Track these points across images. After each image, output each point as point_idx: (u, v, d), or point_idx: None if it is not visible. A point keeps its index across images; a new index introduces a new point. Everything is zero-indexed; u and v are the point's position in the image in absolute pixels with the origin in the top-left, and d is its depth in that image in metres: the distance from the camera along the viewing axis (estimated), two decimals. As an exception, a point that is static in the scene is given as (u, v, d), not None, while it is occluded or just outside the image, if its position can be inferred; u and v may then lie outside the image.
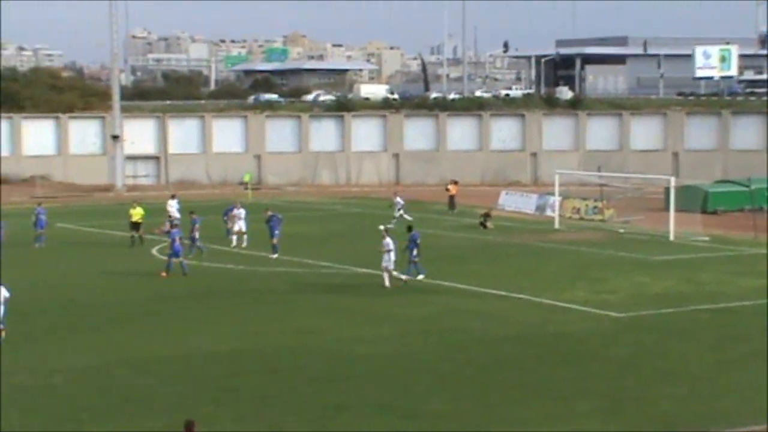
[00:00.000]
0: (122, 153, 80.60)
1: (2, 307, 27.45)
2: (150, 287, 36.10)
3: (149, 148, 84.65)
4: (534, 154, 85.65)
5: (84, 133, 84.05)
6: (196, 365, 24.69)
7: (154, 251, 44.13)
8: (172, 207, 50.50)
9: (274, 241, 43.19)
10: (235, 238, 46.16)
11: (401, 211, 55.09)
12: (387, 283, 35.34)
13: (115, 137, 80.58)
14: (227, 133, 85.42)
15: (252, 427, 19.69)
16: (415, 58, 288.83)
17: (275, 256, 42.53)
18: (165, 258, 39.47)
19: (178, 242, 38.81)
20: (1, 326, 27.22)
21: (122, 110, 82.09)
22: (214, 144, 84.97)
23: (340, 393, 22.19)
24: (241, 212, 46.88)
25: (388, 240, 35.65)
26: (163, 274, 38.28)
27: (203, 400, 21.53)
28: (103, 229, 53.47)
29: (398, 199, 55.90)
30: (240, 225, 46.43)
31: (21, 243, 45.48)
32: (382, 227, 38.40)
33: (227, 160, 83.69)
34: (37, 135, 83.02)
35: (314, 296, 34.47)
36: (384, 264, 35.50)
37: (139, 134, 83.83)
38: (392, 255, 35.52)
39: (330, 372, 24.03)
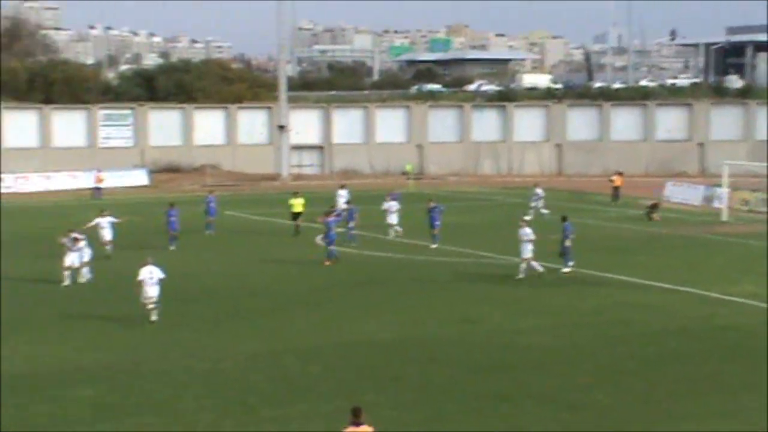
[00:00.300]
0: (288, 143, 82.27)
1: (157, 288, 28.47)
2: (313, 276, 36.79)
3: (314, 138, 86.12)
4: (701, 145, 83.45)
5: (252, 124, 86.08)
6: (359, 353, 25.06)
7: (318, 240, 44.90)
8: (342, 197, 50.78)
9: (435, 231, 43.39)
10: (392, 231, 46.07)
11: (538, 203, 54.13)
12: (521, 274, 35.18)
13: (282, 127, 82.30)
14: (390, 123, 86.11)
15: (413, 416, 19.89)
16: (578, 48, 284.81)
17: (435, 246, 42.72)
18: (328, 247, 40.14)
19: (333, 230, 39.58)
20: (156, 305, 28.23)
21: (288, 101, 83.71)
22: (377, 134, 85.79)
23: (502, 383, 22.19)
24: (392, 205, 46.33)
25: (527, 230, 35.40)
26: (326, 262, 38.96)
27: (365, 387, 21.85)
28: (269, 217, 54.73)
29: (538, 190, 55.05)
30: (391, 219, 46.00)
31: (192, 230, 46.95)
32: (527, 217, 38.57)
33: (390, 150, 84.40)
34: (207, 125, 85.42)
35: (475, 286, 34.49)
36: (523, 255, 35.34)
37: (304, 124, 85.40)
38: (530, 246, 35.26)
39: (491, 362, 24.04)
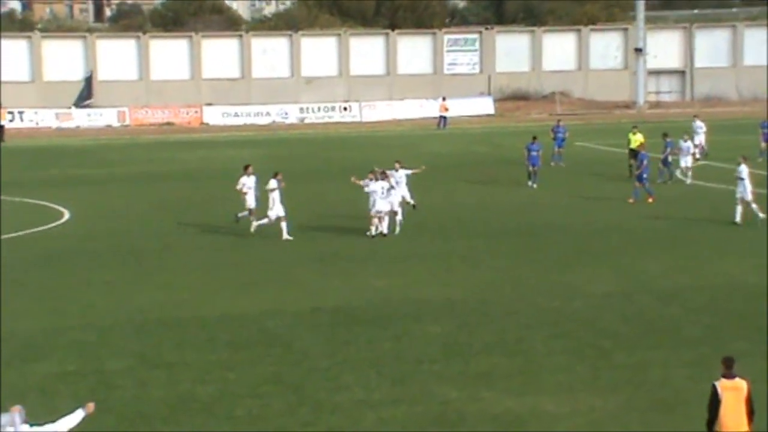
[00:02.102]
0: (644, 67, 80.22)
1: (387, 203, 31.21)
2: (661, 214, 35.89)
3: (674, 61, 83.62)
4: None
5: (606, 47, 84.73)
6: (724, 297, 24.14)
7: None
8: (700, 129, 49.03)
9: None
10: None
11: None
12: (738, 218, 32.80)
13: (638, 50, 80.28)
14: (760, 44, 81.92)
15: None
16: None
17: None
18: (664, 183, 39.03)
19: (645, 165, 38.19)
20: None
21: (646, 21, 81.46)
22: (744, 56, 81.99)
23: None
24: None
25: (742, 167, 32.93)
26: (649, 199, 37.94)
27: (733, 335, 21.01)
28: (622, 148, 53.69)
29: None
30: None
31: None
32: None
33: (759, 75, 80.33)
34: (557, 49, 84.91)
35: None
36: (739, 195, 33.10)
37: (663, 47, 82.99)
38: (747, 184, 32.89)
39: None
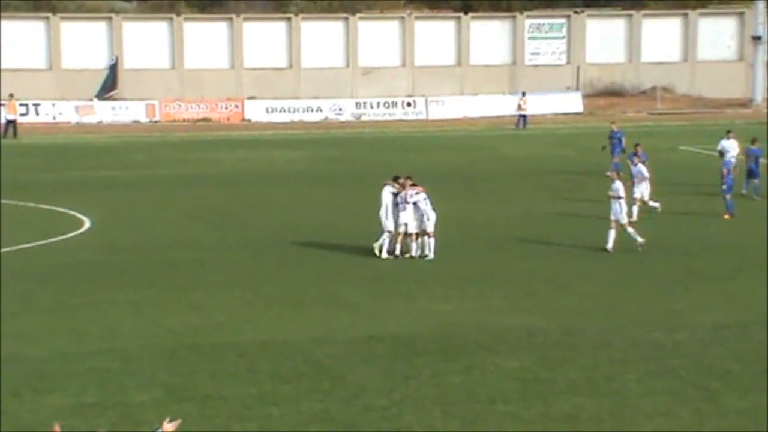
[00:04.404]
0: (764, 59, 79.55)
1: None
2: (756, 230, 35.67)
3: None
4: None
5: (717, 34, 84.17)
6: None
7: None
8: None
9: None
10: None
11: None
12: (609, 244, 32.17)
13: (757, 38, 79.66)
14: None
15: None
16: None
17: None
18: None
19: (728, 173, 38.93)
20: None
21: (767, 4, 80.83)
22: None
23: None
24: None
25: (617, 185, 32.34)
26: (725, 216, 38.02)
27: None
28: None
29: None
30: None
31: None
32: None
33: None
34: (659, 36, 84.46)
35: None
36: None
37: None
38: (622, 204, 32.23)
39: None
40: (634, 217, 35.16)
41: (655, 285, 28.54)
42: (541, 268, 30.59)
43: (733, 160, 41.57)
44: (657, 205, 37.88)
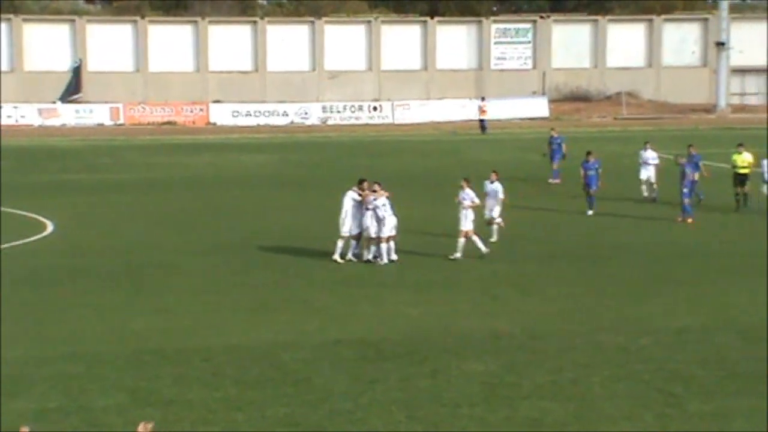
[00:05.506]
0: (727, 65, 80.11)
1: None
2: (754, 238, 35.88)
3: (762, 58, 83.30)
4: None
5: (681, 40, 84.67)
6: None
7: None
8: (652, 160, 44.30)
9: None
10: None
11: None
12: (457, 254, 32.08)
13: (720, 44, 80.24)
14: None
15: None
16: None
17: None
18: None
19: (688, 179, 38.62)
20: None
21: (730, 11, 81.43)
22: None
23: None
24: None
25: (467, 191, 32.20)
26: (682, 219, 38.49)
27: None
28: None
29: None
30: None
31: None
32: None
33: None
34: (624, 42, 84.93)
35: None
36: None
37: (749, 41, 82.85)
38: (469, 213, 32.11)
39: None
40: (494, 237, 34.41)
41: (619, 290, 28.68)
42: (507, 272, 30.72)
43: (701, 164, 41.54)
44: (499, 220, 35.29)
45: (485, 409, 19.53)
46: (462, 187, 32.54)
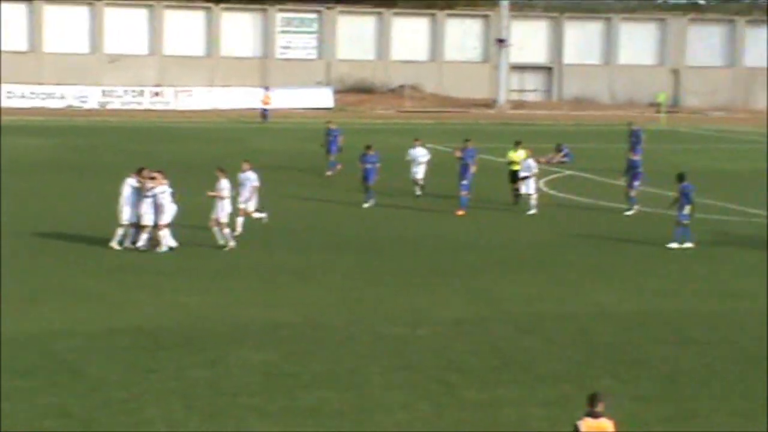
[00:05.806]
0: (507, 61, 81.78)
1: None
2: (531, 230, 36.76)
3: (540, 56, 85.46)
4: None
5: (463, 36, 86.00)
6: (590, 328, 24.73)
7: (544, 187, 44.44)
8: (422, 157, 44.12)
9: None
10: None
11: None
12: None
13: (501, 41, 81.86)
14: (638, 41, 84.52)
15: (658, 411, 19.49)
16: None
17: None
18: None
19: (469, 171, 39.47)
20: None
21: (510, 9, 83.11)
22: (620, 54, 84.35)
23: (774, 378, 21.49)
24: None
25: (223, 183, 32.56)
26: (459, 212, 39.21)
27: (599, 371, 21.54)
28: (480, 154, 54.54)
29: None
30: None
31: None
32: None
33: (636, 74, 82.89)
34: (408, 36, 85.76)
35: (740, 252, 33.66)
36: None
37: (528, 39, 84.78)
38: (225, 204, 32.34)
39: (761, 350, 23.30)
40: (239, 229, 33.78)
41: (400, 280, 28.95)
42: (287, 262, 30.69)
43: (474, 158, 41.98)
44: (263, 215, 35.15)
45: (264, 398, 19.45)
46: (218, 178, 32.31)
